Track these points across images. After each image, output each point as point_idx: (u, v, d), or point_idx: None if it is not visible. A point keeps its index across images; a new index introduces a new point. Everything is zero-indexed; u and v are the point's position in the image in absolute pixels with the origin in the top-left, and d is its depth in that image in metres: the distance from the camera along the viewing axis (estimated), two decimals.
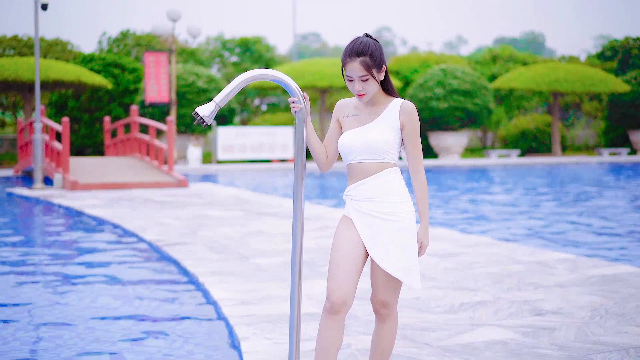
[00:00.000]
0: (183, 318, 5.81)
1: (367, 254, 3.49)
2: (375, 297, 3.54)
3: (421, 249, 3.51)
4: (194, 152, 26.82)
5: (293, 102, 3.48)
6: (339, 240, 3.48)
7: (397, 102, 3.48)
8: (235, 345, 4.97)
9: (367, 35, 3.46)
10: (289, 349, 3.62)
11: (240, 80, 3.45)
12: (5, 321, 5.75)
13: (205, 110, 3.40)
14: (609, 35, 64.50)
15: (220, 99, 3.41)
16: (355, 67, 3.37)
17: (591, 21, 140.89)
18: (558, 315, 5.39)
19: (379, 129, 3.44)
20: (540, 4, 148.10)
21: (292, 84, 3.48)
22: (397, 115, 3.45)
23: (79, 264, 8.24)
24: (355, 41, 3.41)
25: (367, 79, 3.39)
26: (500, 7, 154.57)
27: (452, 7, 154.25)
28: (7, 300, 6.44)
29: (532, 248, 8.50)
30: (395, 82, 31.80)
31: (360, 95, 3.43)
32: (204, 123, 3.42)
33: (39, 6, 17.13)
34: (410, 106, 3.45)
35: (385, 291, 3.50)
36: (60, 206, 13.87)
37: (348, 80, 3.42)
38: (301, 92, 3.49)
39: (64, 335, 5.35)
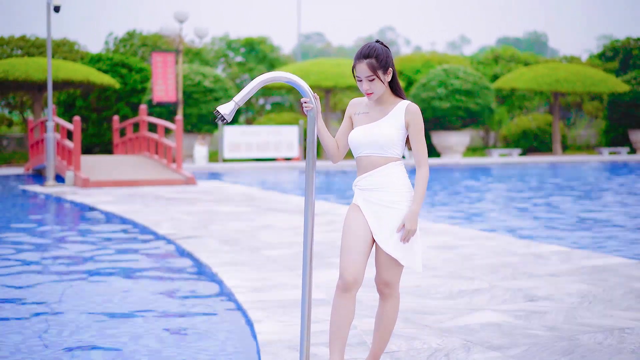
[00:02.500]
0: (200, 304, 6.21)
1: (374, 238, 3.88)
2: (378, 277, 3.93)
3: (407, 233, 3.74)
4: (201, 150, 27.18)
5: (305, 102, 3.87)
6: (349, 225, 3.87)
7: (403, 103, 3.87)
8: (249, 327, 5.36)
9: (377, 41, 3.87)
10: (301, 325, 3.95)
11: (258, 82, 3.79)
12: (23, 311, 6.15)
13: (226, 109, 3.76)
14: (612, 36, 64.80)
15: (240, 98, 3.77)
16: (363, 68, 3.78)
17: (594, 21, 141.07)
18: (549, 300, 5.78)
19: (385, 127, 3.83)
20: (543, 4, 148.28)
21: (305, 86, 3.86)
22: (402, 115, 3.84)
23: (96, 257, 8.60)
24: (365, 45, 3.83)
25: (373, 79, 3.79)
26: (503, 7, 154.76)
27: (455, 7, 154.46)
28: (27, 293, 6.82)
29: (528, 241, 8.86)
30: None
31: (368, 94, 3.83)
32: (224, 120, 3.79)
33: (52, 8, 17.54)
34: (415, 107, 3.85)
35: (387, 271, 3.89)
36: (73, 202, 14.24)
37: (358, 80, 3.83)
38: (312, 93, 3.87)
39: (78, 325, 5.69)
